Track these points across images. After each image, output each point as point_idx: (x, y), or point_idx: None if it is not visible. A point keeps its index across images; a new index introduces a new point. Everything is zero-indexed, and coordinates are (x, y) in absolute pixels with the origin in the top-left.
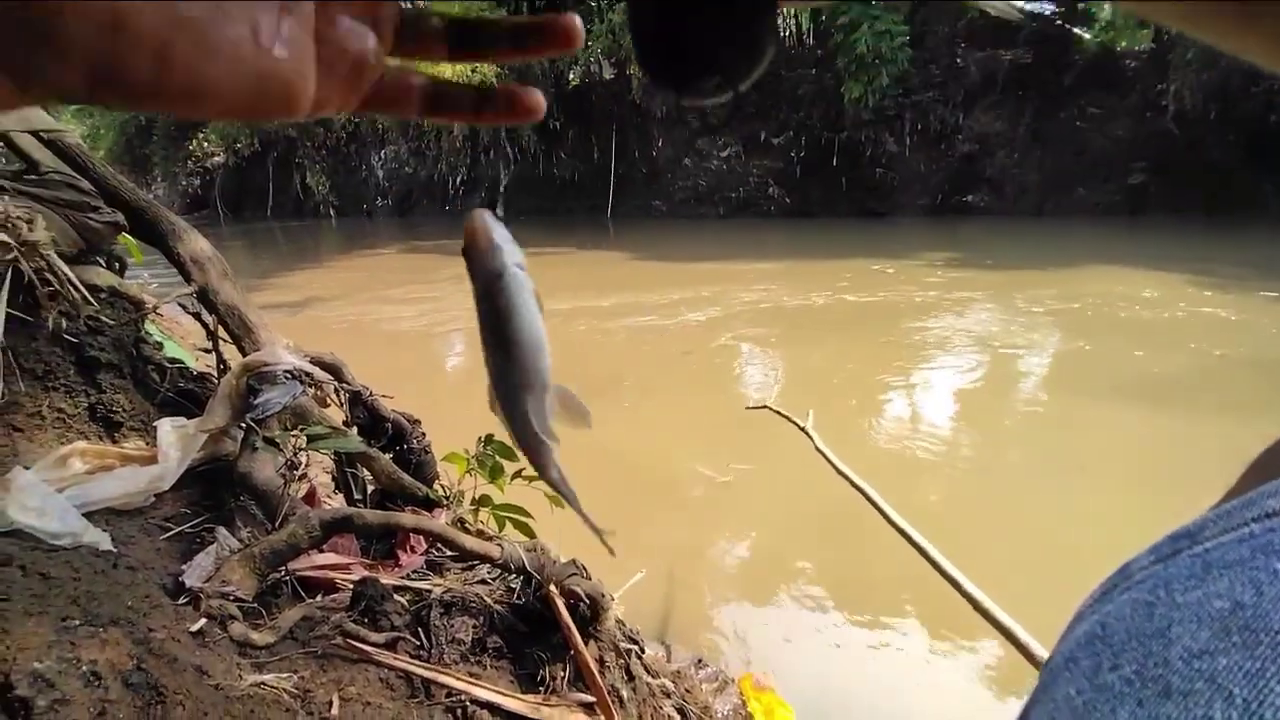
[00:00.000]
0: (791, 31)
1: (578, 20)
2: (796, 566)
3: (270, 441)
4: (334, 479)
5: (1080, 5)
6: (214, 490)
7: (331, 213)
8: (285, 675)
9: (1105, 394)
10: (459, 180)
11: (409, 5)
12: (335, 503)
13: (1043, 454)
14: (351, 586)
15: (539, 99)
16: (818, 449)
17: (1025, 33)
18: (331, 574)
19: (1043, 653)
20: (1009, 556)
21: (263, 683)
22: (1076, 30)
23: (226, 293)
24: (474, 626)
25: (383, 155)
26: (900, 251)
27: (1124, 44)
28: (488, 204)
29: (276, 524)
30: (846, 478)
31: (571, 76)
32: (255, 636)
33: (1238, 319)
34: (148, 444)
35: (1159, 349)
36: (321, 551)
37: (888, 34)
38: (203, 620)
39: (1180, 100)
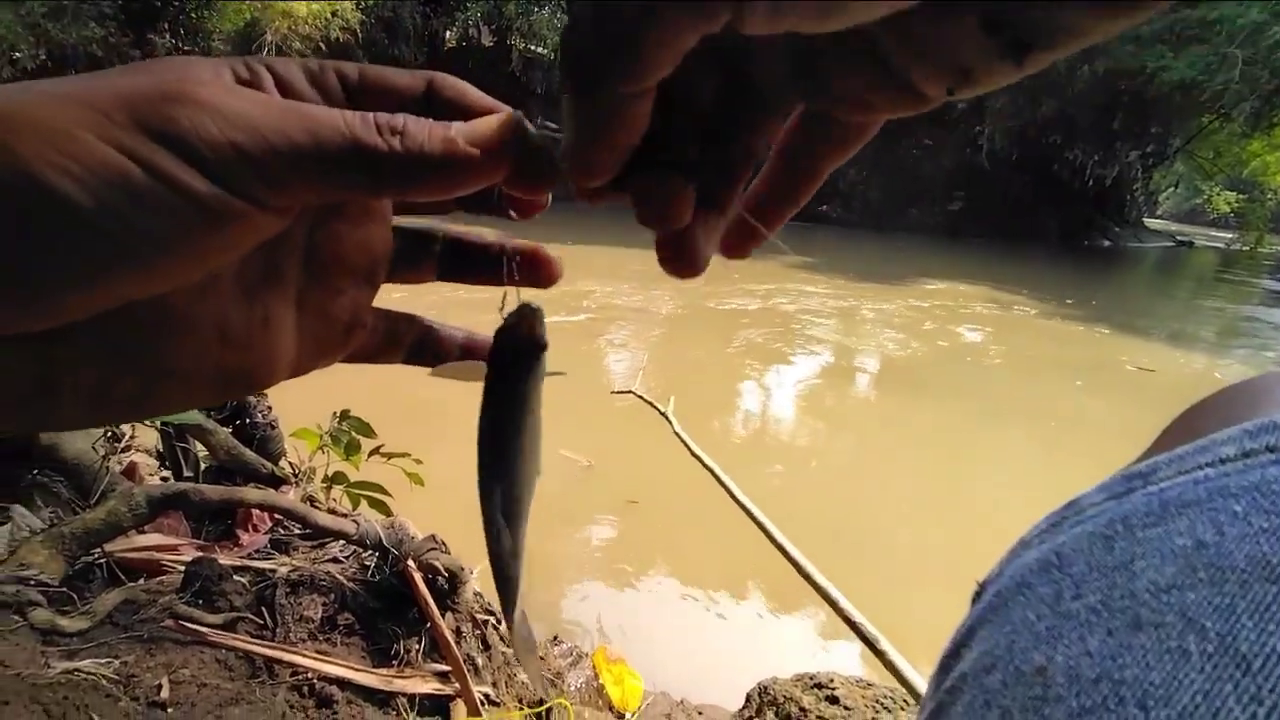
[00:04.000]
0: None
1: (557, 261)
2: (652, 545)
3: None
4: (158, 455)
5: None
6: (2, 464)
7: None
8: (104, 661)
9: (924, 389)
10: None
11: (415, 223)
12: (158, 481)
13: (868, 441)
14: (182, 569)
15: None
16: (675, 432)
17: None
18: (157, 556)
19: (859, 618)
20: (837, 531)
21: (76, 669)
22: None
23: None
24: (324, 604)
25: None
26: (761, 254)
27: None
28: None
29: (92, 501)
30: (699, 459)
31: (448, 37)
32: (64, 623)
33: (1019, 329)
34: None
35: (960, 353)
36: (143, 533)
37: None
38: None
39: (991, 142)
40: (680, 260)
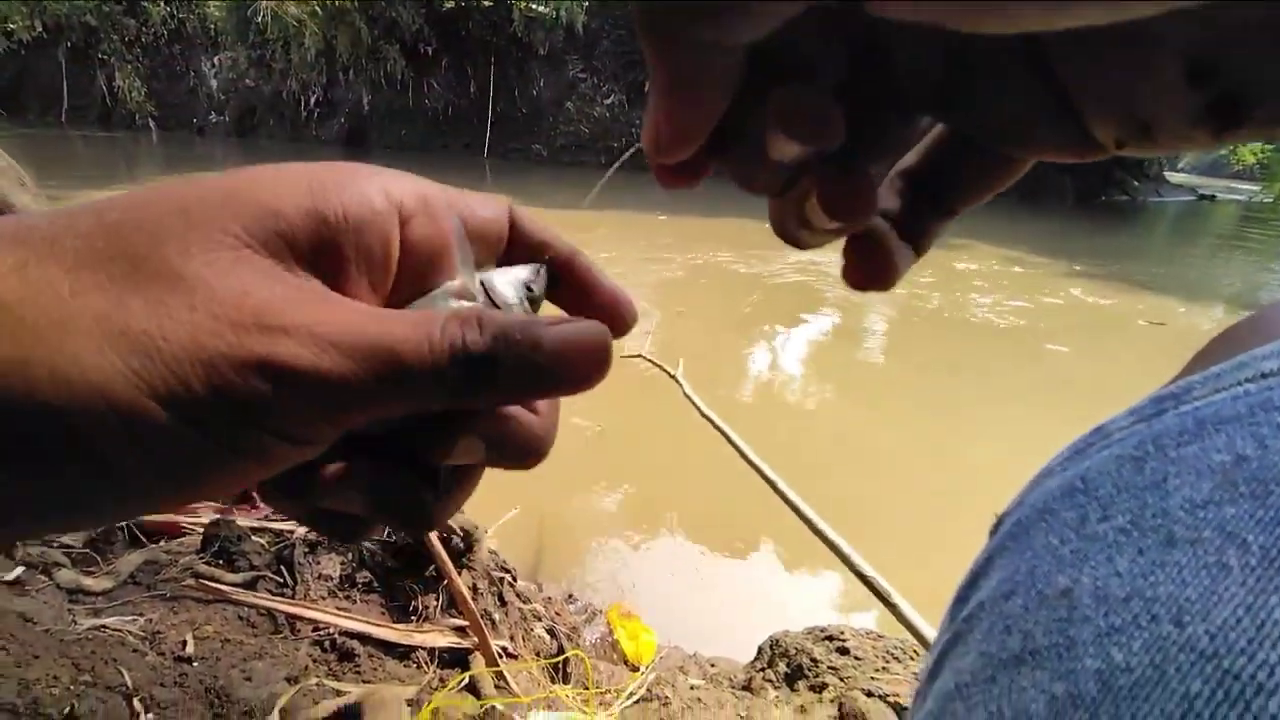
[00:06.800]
0: None
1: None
2: (664, 506)
3: None
4: None
5: None
6: None
7: (151, 125)
8: (130, 618)
9: (936, 350)
10: (313, 101)
11: None
12: None
13: (878, 403)
14: (201, 530)
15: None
16: (685, 395)
17: None
18: (176, 518)
19: (870, 571)
20: (847, 490)
21: (103, 626)
22: None
23: (25, 208)
24: (342, 563)
25: (216, 62)
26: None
27: None
28: (348, 132)
29: None
30: (709, 419)
31: None
32: (89, 582)
33: (1032, 289)
34: None
35: (968, 315)
36: None
37: None
38: (19, 569)
39: None
40: (876, 272)
